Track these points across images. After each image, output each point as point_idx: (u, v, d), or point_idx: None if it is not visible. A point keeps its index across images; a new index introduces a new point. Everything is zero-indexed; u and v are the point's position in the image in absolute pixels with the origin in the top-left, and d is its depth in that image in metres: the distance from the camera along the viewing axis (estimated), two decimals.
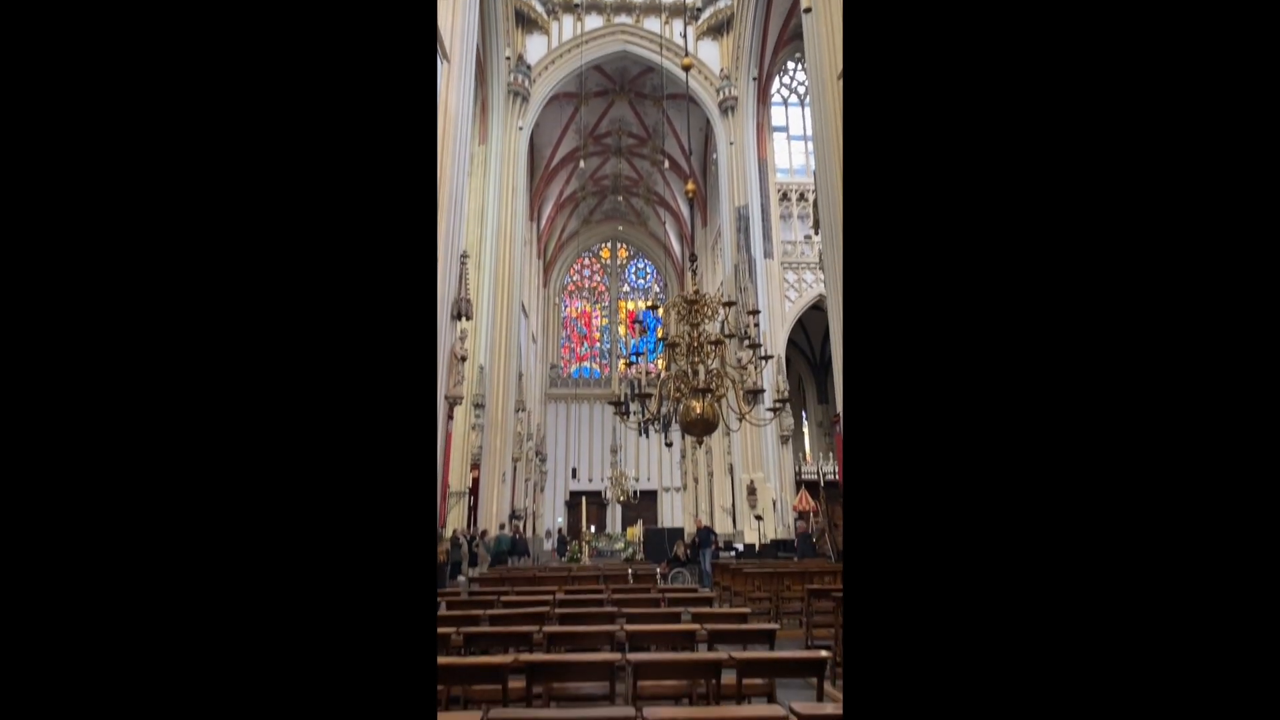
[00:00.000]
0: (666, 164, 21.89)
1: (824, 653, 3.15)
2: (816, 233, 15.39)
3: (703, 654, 3.26)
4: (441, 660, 3.07)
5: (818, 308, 16.76)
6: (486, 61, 16.22)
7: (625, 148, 22.55)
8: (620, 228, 27.92)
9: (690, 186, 7.61)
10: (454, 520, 11.95)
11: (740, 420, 6.24)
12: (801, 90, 19.96)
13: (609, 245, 29.14)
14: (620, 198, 25.55)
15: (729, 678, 2.86)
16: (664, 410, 6.48)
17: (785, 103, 20.05)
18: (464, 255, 10.21)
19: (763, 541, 13.54)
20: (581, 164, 22.15)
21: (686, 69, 9.76)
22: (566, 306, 28.54)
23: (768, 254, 16.84)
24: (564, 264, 28.36)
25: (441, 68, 9.31)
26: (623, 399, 6.83)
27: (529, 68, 17.35)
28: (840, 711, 2.11)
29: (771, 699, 3.03)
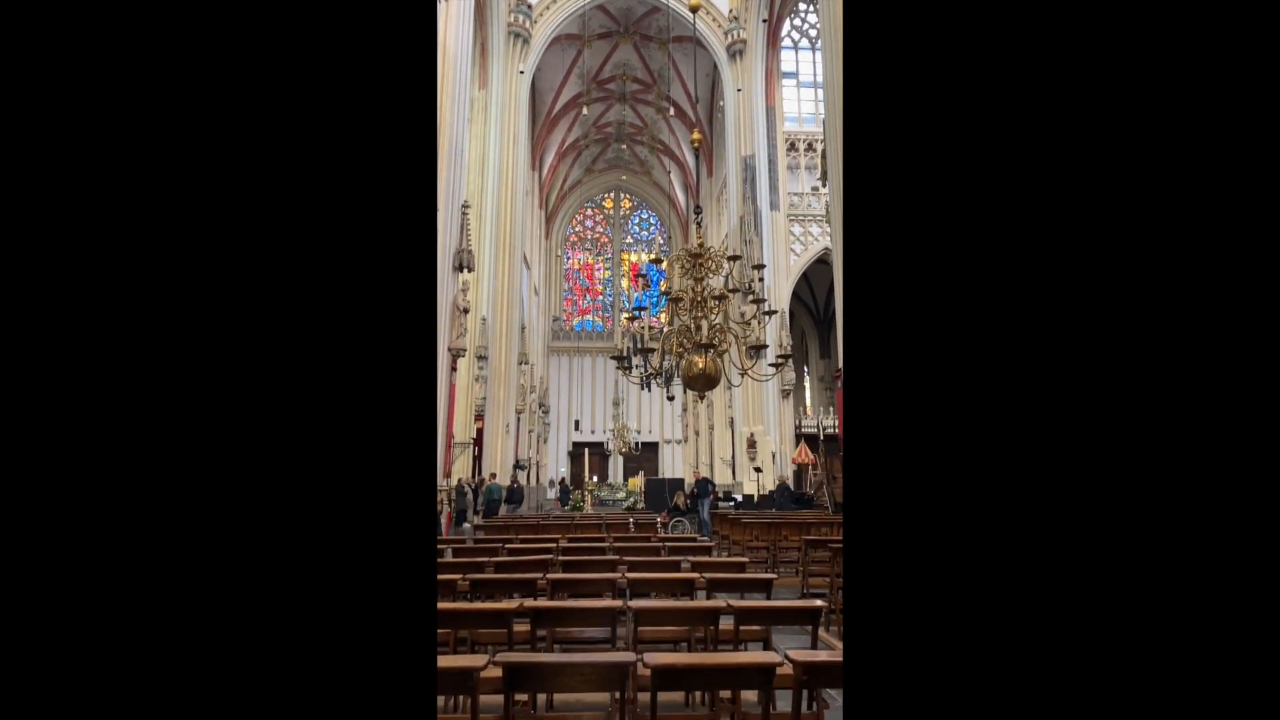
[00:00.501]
0: (672, 111, 21.27)
1: (819, 602, 3.25)
2: (824, 184, 15.09)
3: (701, 602, 3.36)
4: (449, 606, 3.18)
5: (823, 261, 16.58)
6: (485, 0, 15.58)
7: (629, 94, 21.87)
8: (624, 177, 27.37)
9: (696, 136, 7.42)
10: (459, 469, 12.17)
11: (742, 375, 6.26)
12: (813, 34, 19.19)
13: (612, 195, 28.62)
14: (624, 146, 24.95)
15: (727, 624, 2.95)
16: (666, 365, 6.49)
17: (795, 47, 19.31)
18: (465, 205, 10.05)
19: (761, 493, 13.79)
20: (584, 110, 21.53)
21: (694, 9, 9.37)
22: (569, 258, 28.26)
23: (774, 206, 16.55)
24: (566, 214, 27.94)
25: (439, 6, 8.95)
26: (625, 353, 6.85)
27: (529, 7, 16.66)
28: (833, 658, 2.19)
29: (767, 645, 3.14)
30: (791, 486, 14.96)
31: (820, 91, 17.88)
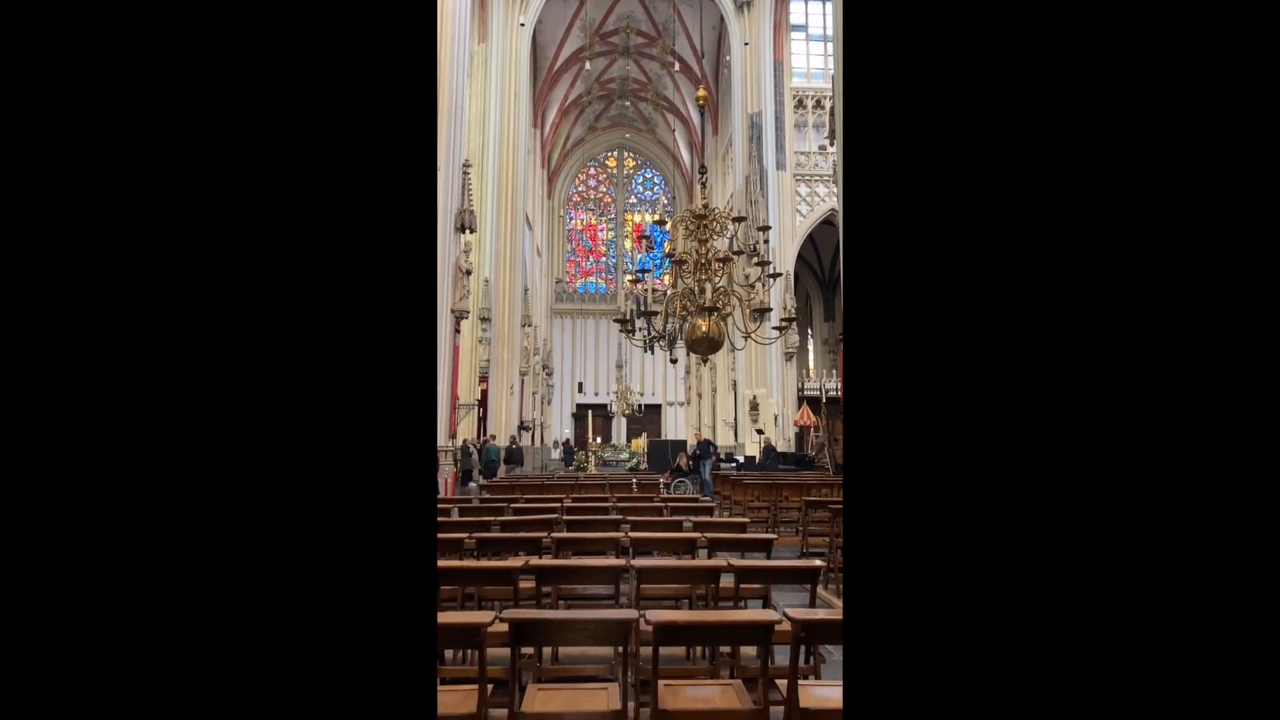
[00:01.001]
0: (677, 66, 20.70)
1: (818, 561, 3.32)
2: (832, 143, 14.76)
3: (703, 561, 3.43)
4: (456, 563, 3.26)
5: (829, 223, 16.36)
6: None
7: (633, 48, 21.25)
8: (627, 135, 26.81)
9: (701, 93, 7.25)
10: (464, 430, 12.30)
11: (745, 339, 6.25)
12: None
13: (615, 154, 28.10)
14: (628, 103, 24.36)
15: (727, 582, 3.02)
16: (669, 327, 6.49)
17: None
18: (466, 165, 9.89)
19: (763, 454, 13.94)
20: (587, 65, 20.97)
21: None
22: (571, 219, 27.92)
23: (780, 165, 16.24)
24: (569, 174, 27.49)
25: None
26: (628, 316, 6.83)
27: None
28: (831, 616, 2.25)
29: (767, 603, 3.21)
30: (791, 448, 15.13)
31: (830, 46, 17.34)
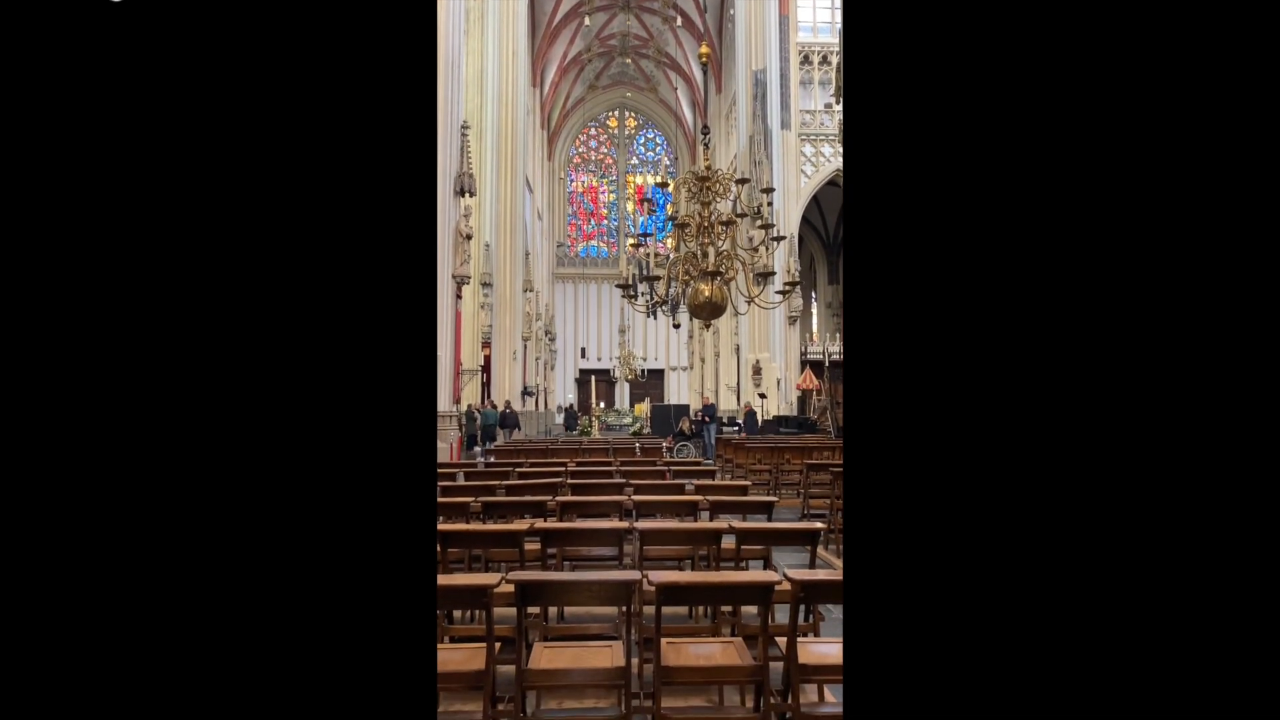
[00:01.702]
0: (679, 20, 20.08)
1: (819, 524, 3.37)
2: (839, 101, 14.39)
3: (705, 523, 3.48)
4: (462, 527, 3.31)
5: (833, 184, 16.09)
6: None
7: (634, 1, 20.58)
8: (628, 94, 26.19)
9: (704, 50, 7.04)
10: (469, 395, 12.38)
11: (749, 303, 6.22)
12: None
13: (616, 114, 27.49)
14: (629, 60, 23.72)
15: (729, 544, 3.07)
16: (672, 292, 6.45)
17: None
18: (464, 126, 9.70)
19: (765, 418, 14.02)
20: (586, 21, 20.36)
21: None
22: (572, 181, 27.50)
23: (785, 125, 15.87)
24: (569, 134, 26.95)
25: None
26: (630, 281, 6.78)
27: None
28: (831, 576, 2.29)
29: (768, 564, 3.27)
30: (794, 412, 15.22)
31: None
